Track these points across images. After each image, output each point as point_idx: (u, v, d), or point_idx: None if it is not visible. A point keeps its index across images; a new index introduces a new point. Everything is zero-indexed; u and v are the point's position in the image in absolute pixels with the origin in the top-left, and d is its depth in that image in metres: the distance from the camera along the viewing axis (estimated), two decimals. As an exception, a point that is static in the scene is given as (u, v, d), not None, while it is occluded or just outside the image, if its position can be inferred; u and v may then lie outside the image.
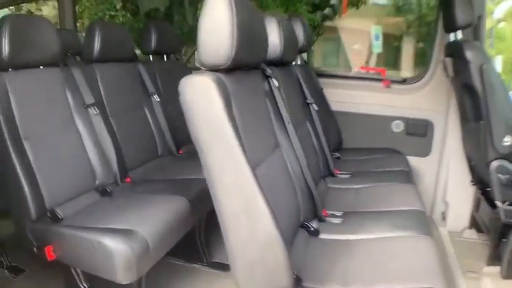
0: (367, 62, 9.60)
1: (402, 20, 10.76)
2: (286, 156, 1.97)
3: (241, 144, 1.39)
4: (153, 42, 3.27)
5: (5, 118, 2.03)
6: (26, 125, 2.11)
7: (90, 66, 2.70)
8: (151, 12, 8.26)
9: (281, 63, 2.34)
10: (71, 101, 2.39)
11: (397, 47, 10.51)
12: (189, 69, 3.74)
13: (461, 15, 2.47)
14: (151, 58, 3.39)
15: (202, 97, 1.41)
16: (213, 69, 1.47)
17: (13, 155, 2.02)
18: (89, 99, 2.50)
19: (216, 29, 1.39)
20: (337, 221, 2.13)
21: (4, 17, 2.11)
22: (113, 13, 8.06)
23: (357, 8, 9.86)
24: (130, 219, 1.99)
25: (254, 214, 1.40)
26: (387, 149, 3.37)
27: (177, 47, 3.63)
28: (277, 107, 2.05)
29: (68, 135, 2.33)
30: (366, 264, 1.73)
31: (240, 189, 1.40)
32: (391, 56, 10.61)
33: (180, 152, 3.20)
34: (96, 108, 2.49)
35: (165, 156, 3.07)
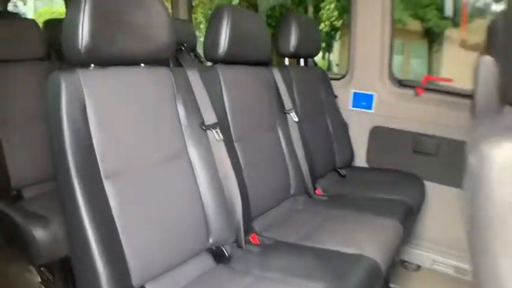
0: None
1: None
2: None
3: None
4: (293, 42, 2.38)
5: (75, 142, 1.22)
6: (109, 154, 1.30)
7: (212, 69, 1.85)
8: (269, 11, 7.56)
9: None
10: (183, 118, 1.55)
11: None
12: (329, 78, 2.83)
13: None
14: (286, 62, 2.49)
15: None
16: None
17: (83, 205, 1.21)
18: (210, 116, 1.65)
19: None
20: None
21: None
22: (228, 9, 7.45)
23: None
24: None
25: None
26: None
27: (318, 49, 2.72)
28: None
29: (173, 170, 1.49)
30: None
31: None
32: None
33: (318, 191, 2.28)
34: (218, 132, 1.64)
35: (299, 197, 2.15)
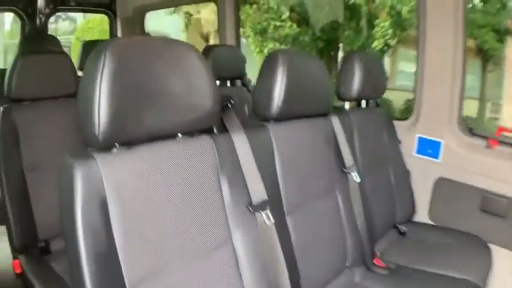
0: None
1: None
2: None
3: None
4: (356, 86, 2.04)
5: (92, 249, 0.95)
6: (137, 259, 1.02)
7: (263, 129, 1.54)
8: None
9: None
10: (227, 197, 1.24)
11: None
12: (392, 119, 2.47)
13: None
14: (346, 105, 2.16)
15: None
16: None
17: None
18: (259, 193, 1.34)
19: None
20: None
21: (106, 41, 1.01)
22: (278, 23, 7.07)
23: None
24: None
25: None
26: None
27: (383, 90, 2.36)
28: None
29: (213, 263, 1.19)
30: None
31: None
32: None
33: (377, 261, 1.94)
34: (269, 214, 1.33)
35: (356, 269, 1.82)
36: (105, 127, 0.96)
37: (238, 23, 3.48)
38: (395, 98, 7.01)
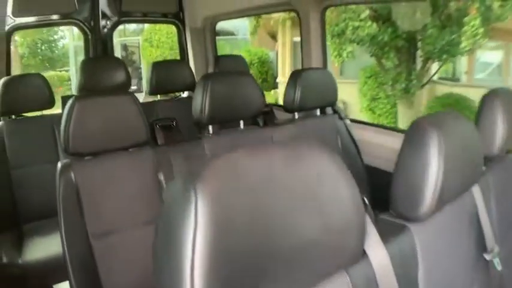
0: None
1: None
2: None
3: None
4: (500, 133, 1.52)
5: None
6: None
7: (404, 233, 1.09)
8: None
9: None
10: None
11: None
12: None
13: None
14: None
15: None
16: None
17: None
18: None
19: None
20: None
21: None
22: (356, 24, 6.47)
23: None
24: None
25: None
26: None
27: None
28: None
29: None
30: None
31: None
32: None
33: None
34: None
35: None
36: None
37: (324, 40, 2.97)
38: (475, 96, 6.13)
